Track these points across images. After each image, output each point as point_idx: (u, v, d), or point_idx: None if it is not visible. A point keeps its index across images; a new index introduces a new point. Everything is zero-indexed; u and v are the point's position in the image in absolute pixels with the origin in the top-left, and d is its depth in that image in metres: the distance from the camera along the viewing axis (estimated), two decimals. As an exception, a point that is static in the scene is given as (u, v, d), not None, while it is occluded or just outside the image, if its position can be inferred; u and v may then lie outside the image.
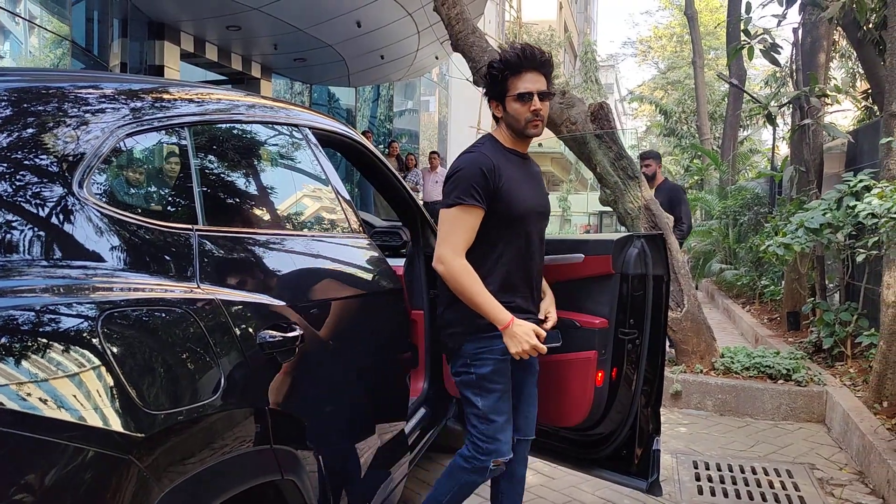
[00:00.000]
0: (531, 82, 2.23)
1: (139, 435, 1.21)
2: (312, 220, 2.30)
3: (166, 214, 1.61)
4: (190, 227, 1.60)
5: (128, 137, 1.55)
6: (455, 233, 2.18)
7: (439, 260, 2.19)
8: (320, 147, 2.40)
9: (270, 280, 1.79)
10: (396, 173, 3.16)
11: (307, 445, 1.72)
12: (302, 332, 1.73)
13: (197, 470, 1.33)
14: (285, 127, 2.26)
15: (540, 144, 33.04)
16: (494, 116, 2.36)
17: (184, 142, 1.72)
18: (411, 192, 3.12)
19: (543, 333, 2.25)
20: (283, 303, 1.74)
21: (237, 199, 1.94)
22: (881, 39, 6.93)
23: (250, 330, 1.58)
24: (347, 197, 2.47)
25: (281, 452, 1.59)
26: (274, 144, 2.24)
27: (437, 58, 14.94)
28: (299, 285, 1.91)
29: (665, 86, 28.41)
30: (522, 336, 2.18)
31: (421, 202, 3.86)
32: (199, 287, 1.49)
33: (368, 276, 2.40)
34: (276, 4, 9.72)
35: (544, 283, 2.50)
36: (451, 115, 21.84)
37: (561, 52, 31.76)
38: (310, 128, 2.37)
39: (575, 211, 30.01)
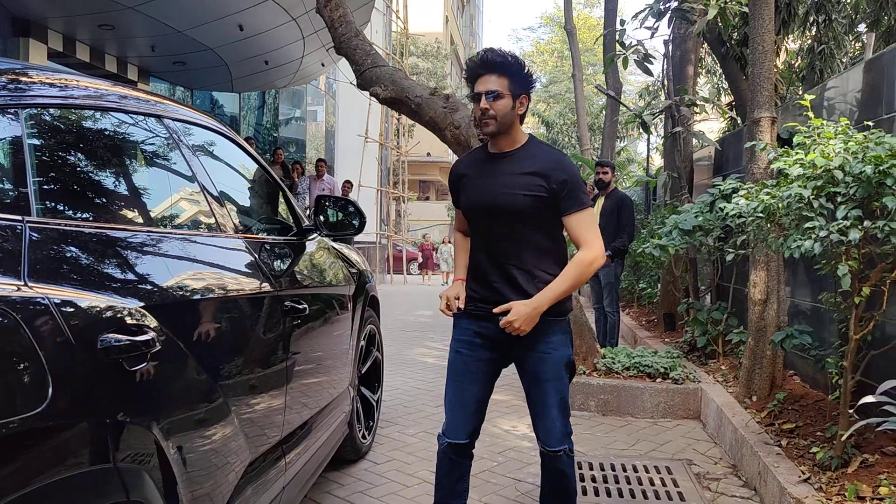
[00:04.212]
0: (480, 84, 2.44)
1: None
2: (172, 216, 2.12)
3: (-11, 203, 1.41)
4: (20, 217, 1.41)
5: None
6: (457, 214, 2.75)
7: None
8: (187, 142, 2.23)
9: (118, 278, 1.61)
10: (274, 173, 3.08)
11: (160, 462, 1.55)
12: (155, 335, 1.56)
13: (17, 494, 1.15)
14: (146, 118, 2.08)
15: (428, 154, 33.33)
16: None
17: (16, 125, 1.53)
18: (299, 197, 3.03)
19: (454, 304, 2.56)
20: (133, 303, 1.56)
21: (83, 191, 1.75)
22: (742, 55, 7.39)
23: (90, 333, 1.39)
24: (217, 195, 2.30)
25: (126, 471, 1.41)
26: (131, 136, 2.05)
27: (323, 65, 14.68)
28: (153, 285, 1.73)
29: (547, 99, 29.15)
30: (445, 294, 2.59)
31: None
32: (26, 285, 1.31)
33: (237, 278, 2.24)
34: (152, 4, 9.21)
35: (550, 287, 2.50)
36: (339, 124, 21.53)
37: (448, 64, 32.16)
38: (173, 119, 2.21)
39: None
